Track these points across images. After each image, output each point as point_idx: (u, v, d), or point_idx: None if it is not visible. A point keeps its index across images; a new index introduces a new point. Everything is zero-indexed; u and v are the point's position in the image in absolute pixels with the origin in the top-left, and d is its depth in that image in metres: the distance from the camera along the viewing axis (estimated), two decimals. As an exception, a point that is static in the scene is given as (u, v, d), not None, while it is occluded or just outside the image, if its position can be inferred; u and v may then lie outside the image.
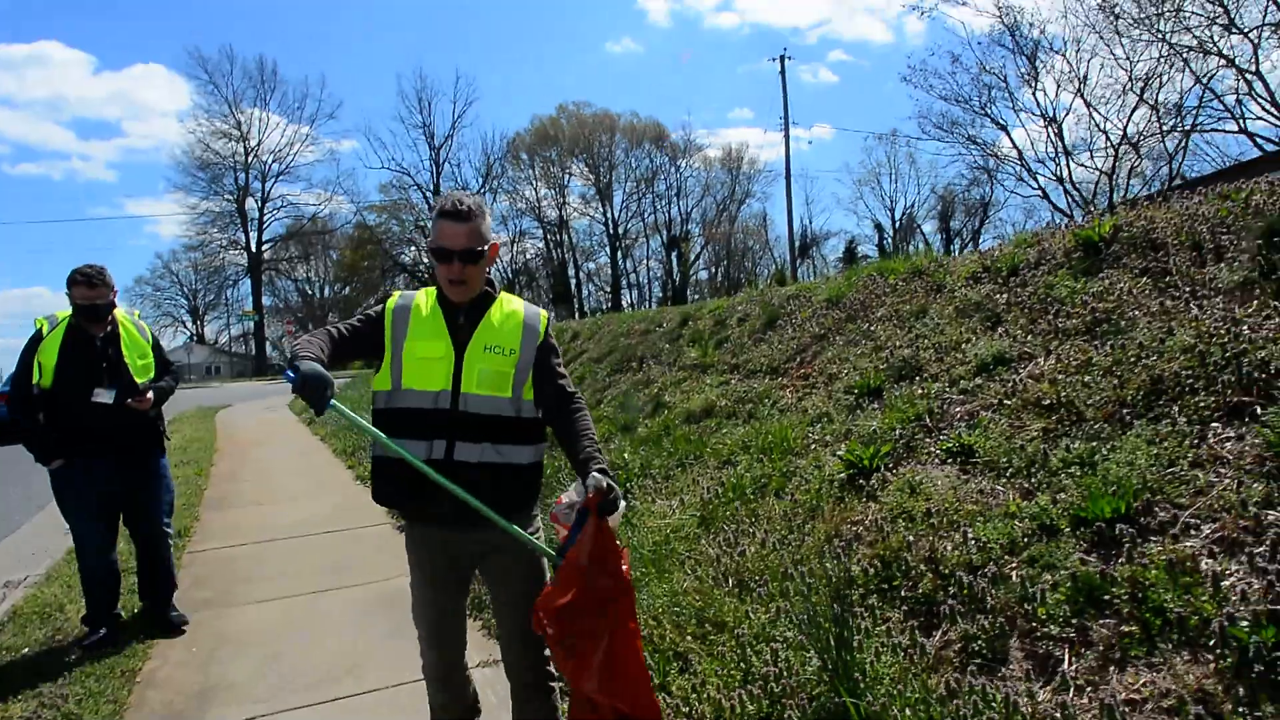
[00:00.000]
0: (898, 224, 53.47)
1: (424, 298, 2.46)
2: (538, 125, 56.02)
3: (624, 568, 2.26)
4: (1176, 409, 3.13)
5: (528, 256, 58.39)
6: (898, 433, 4.12)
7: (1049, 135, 29.72)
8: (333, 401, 2.13)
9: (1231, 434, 2.90)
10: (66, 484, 4.04)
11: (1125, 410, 3.31)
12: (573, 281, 57.35)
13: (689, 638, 3.29)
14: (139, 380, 4.14)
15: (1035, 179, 30.53)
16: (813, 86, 78.82)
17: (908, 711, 2.42)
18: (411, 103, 66.62)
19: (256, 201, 53.62)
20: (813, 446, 4.56)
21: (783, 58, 34.02)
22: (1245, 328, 3.29)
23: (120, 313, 4.23)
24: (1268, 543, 2.40)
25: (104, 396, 3.97)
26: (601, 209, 56.66)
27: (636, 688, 2.23)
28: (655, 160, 56.50)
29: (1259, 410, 2.87)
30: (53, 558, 5.69)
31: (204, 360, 60.64)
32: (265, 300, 59.76)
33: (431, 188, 53.63)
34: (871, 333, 5.58)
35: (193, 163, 52.01)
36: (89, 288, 3.96)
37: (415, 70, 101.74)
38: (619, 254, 57.65)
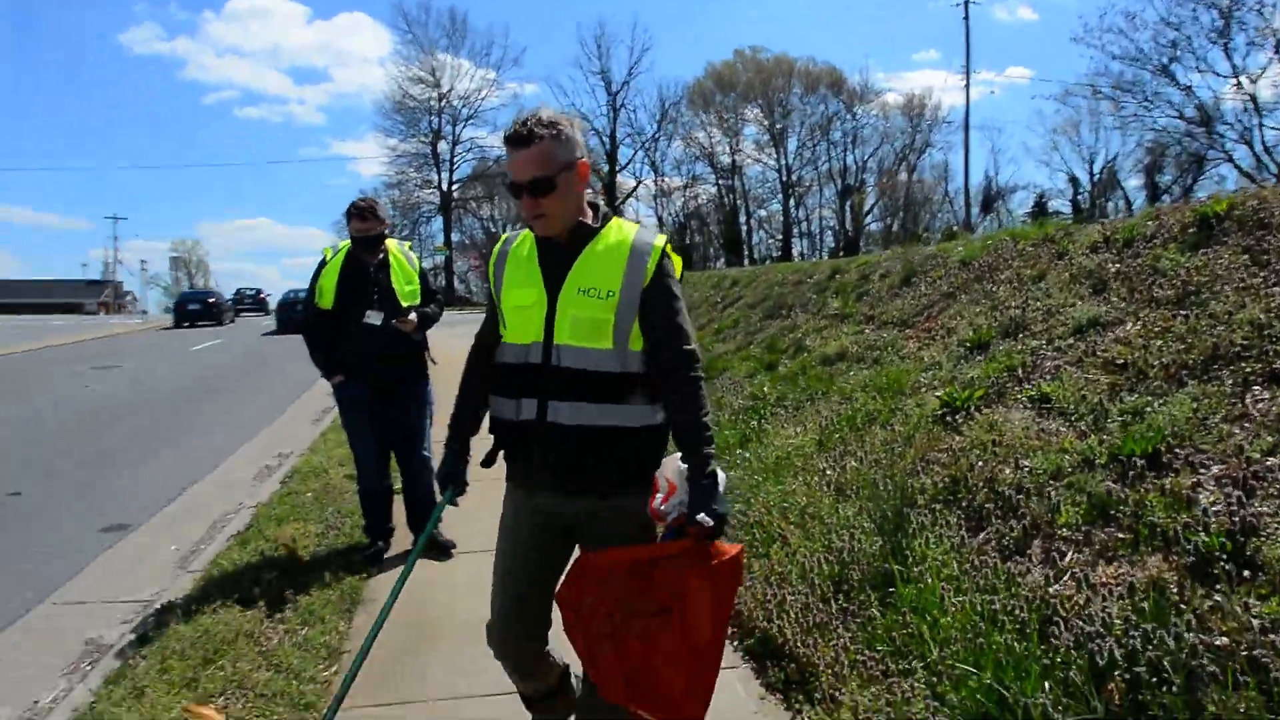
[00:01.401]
0: (1096, 178, 49.43)
1: (526, 237, 2.17)
2: (713, 70, 55.99)
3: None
4: (1226, 373, 3.65)
5: (700, 201, 58.91)
6: (992, 380, 4.78)
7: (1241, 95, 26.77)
8: (452, 497, 2.29)
9: (1267, 396, 3.41)
10: (346, 401, 4.51)
11: (1184, 372, 3.85)
12: (744, 228, 57.49)
13: (791, 525, 4.21)
14: (404, 304, 4.42)
15: (1221, 141, 27.65)
16: (1008, 25, 73.35)
17: (938, 578, 3.25)
18: (590, 49, 68.12)
19: (448, 144, 57.17)
20: (921, 389, 5.27)
21: (967, 2, 32.33)
22: (1311, 305, 3.72)
23: (393, 243, 4.56)
24: (1254, 481, 3.00)
25: (374, 318, 4.29)
26: (775, 156, 56.16)
27: (668, 704, 1.95)
28: (831, 107, 55.16)
29: (1291, 376, 3.37)
30: (311, 437, 7.36)
31: (437, 287, 66.07)
32: (454, 236, 64.10)
33: (609, 132, 55.10)
34: (992, 293, 6.11)
35: (392, 107, 56.06)
36: (362, 220, 4.30)
37: (595, 18, 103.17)
38: (791, 202, 57.09)
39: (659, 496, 2.03)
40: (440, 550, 4.55)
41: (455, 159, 58.33)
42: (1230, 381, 3.59)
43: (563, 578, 2.13)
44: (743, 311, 10.69)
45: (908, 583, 3.32)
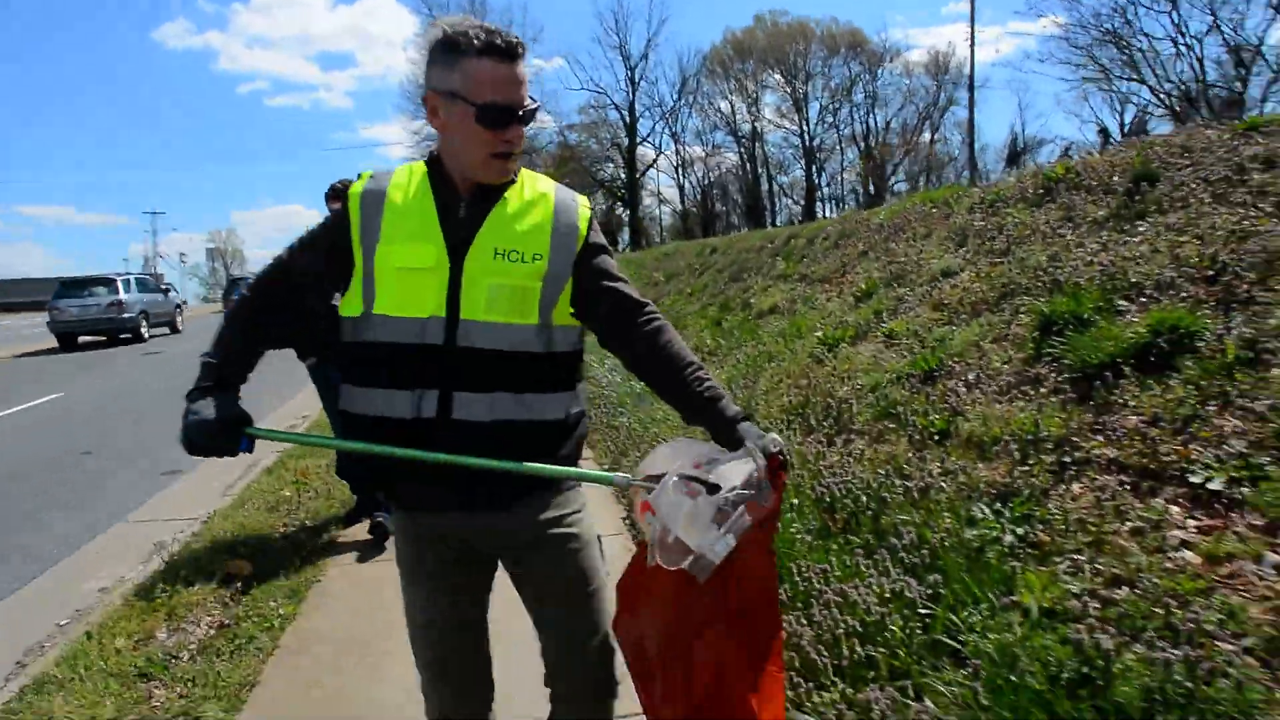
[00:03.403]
0: (1127, 129, 48.87)
1: (404, 177, 1.61)
2: (732, 37, 56.04)
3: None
4: (1007, 305, 4.65)
5: (722, 170, 59.33)
6: (863, 322, 5.80)
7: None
8: (249, 431, 1.58)
9: (1025, 320, 4.41)
10: (321, 381, 4.37)
11: (983, 306, 4.85)
12: (766, 195, 57.83)
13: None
14: None
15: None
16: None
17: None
18: (609, 24, 68.56)
19: (470, 125, 58.22)
20: (815, 330, 6.30)
21: (974, -42, 32.42)
22: (1082, 249, 4.69)
23: None
24: (985, 381, 4.01)
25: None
26: (796, 121, 56.27)
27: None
28: (853, 69, 55.05)
29: (1051, 306, 4.37)
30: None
31: None
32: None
33: (628, 106, 55.64)
34: (892, 250, 7.09)
35: (416, 90, 57.10)
36: (336, 201, 4.54)
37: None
38: (814, 167, 57.28)
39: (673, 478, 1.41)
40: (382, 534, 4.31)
41: (477, 139, 59.28)
42: (1006, 311, 4.60)
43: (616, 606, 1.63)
44: (713, 276, 11.72)
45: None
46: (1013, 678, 2.15)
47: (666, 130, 56.74)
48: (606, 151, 58.78)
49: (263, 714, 2.73)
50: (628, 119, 52.94)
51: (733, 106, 56.30)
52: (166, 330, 23.00)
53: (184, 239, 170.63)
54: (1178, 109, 28.08)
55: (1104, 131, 47.68)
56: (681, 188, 57.56)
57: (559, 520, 1.66)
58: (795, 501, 3.59)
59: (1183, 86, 28.36)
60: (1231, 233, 3.72)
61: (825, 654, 2.50)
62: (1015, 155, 49.61)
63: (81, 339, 19.58)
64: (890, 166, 55.52)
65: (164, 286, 26.03)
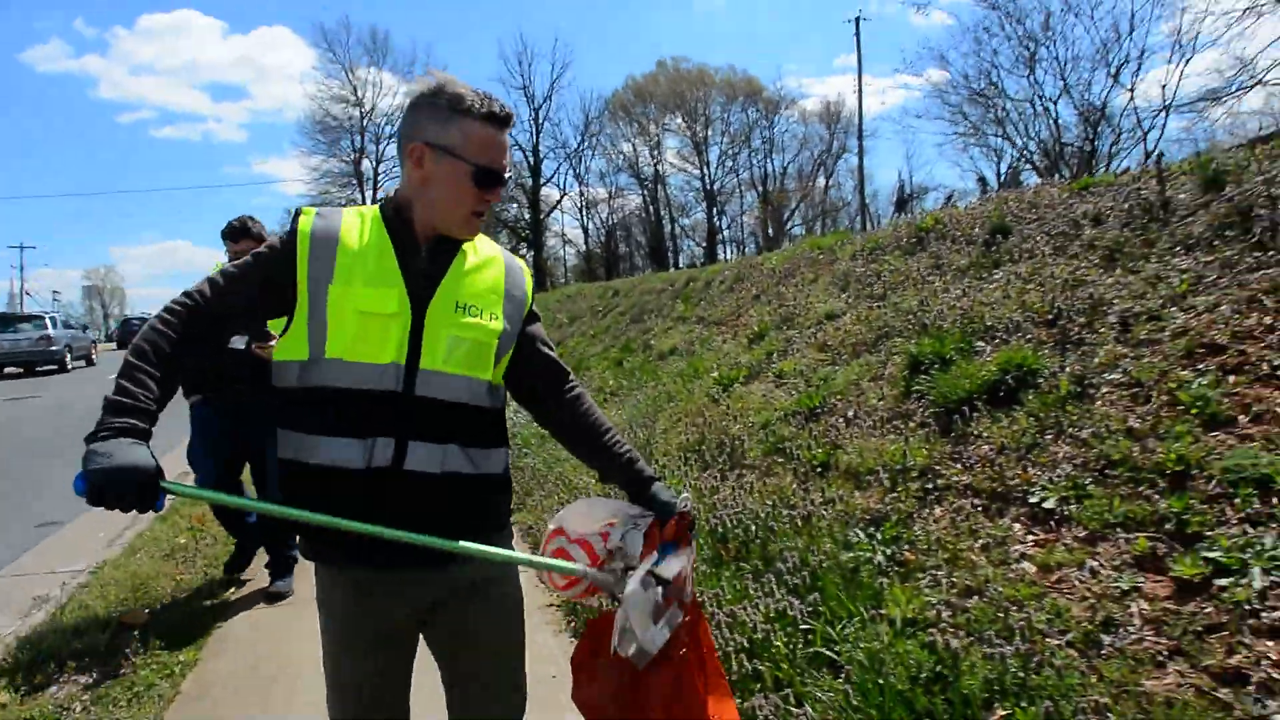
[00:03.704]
0: (1002, 178, 52.32)
1: (355, 219, 1.58)
2: (634, 83, 57.36)
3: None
4: (884, 346, 5.07)
5: (625, 212, 60.13)
6: (755, 363, 6.15)
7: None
8: (166, 486, 1.36)
9: (898, 360, 4.82)
10: (198, 421, 4.20)
11: (862, 348, 5.26)
12: (669, 237, 58.85)
13: (581, 475, 5.48)
14: (274, 330, 5.13)
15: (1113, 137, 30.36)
16: (925, 29, 77.25)
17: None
18: (512, 65, 69.45)
19: (371, 161, 57.34)
20: (711, 371, 6.62)
21: (858, 19, 34.59)
22: (947, 294, 5.17)
23: None
24: (860, 417, 4.37)
25: (237, 342, 3.92)
26: (697, 164, 57.80)
27: None
28: (750, 116, 57.15)
29: (919, 347, 4.79)
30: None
31: None
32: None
33: (531, 146, 56.00)
34: (782, 294, 7.53)
35: (314, 126, 56.01)
36: (234, 241, 4.08)
37: (515, 33, 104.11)
38: (714, 210, 58.79)
39: (583, 556, 1.66)
40: (274, 597, 4.24)
41: (379, 176, 58.53)
42: (882, 352, 5.01)
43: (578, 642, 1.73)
44: (615, 319, 12.02)
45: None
46: (879, 681, 2.41)
47: (570, 171, 57.37)
48: (511, 192, 58.96)
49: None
50: (532, 160, 53.31)
51: (635, 149, 57.39)
52: (84, 363, 25.18)
53: (55, 274, 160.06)
54: (1041, 165, 30.48)
55: (982, 180, 50.74)
56: (585, 229, 58.10)
57: (499, 574, 1.69)
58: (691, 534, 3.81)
59: (1041, 144, 30.87)
60: (1066, 281, 4.22)
61: (716, 670, 2.71)
62: (903, 201, 52.39)
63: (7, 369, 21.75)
64: (787, 210, 57.65)
65: (83, 324, 29.11)
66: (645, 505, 1.69)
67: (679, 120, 57.57)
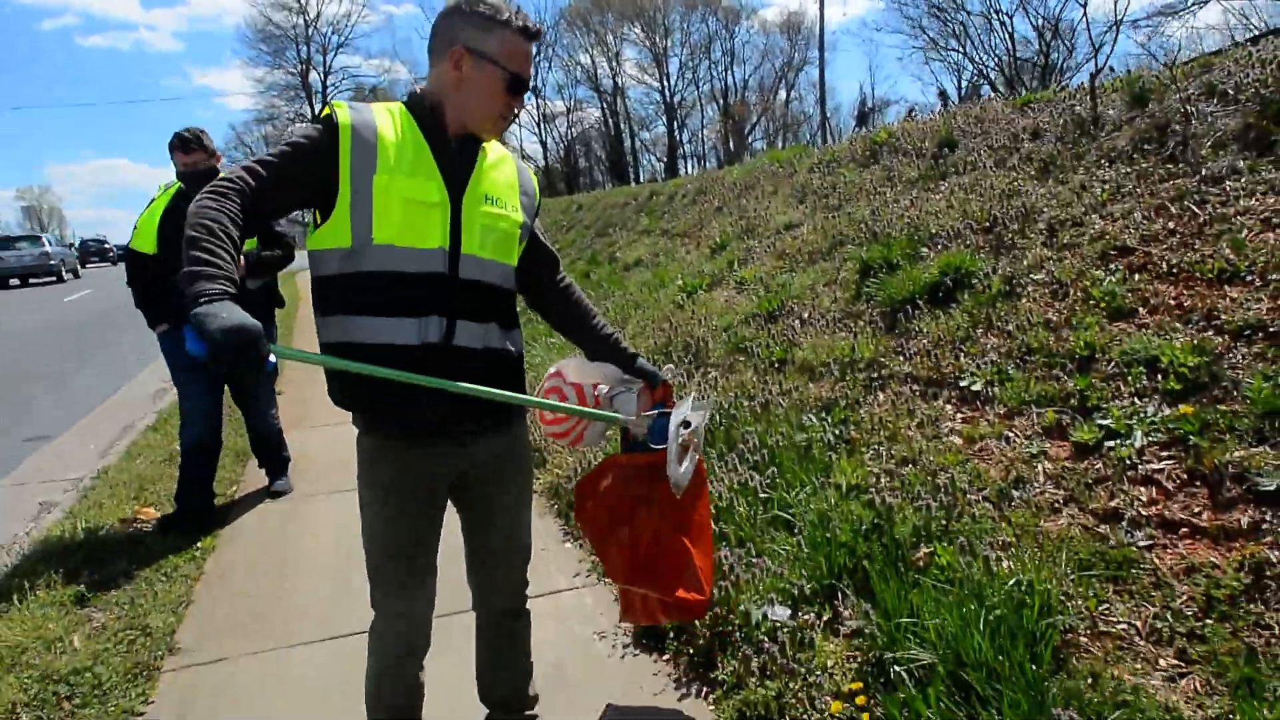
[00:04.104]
0: (962, 91, 52.26)
1: (388, 116, 1.67)
2: (590, -11, 55.43)
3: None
4: (838, 254, 5.42)
5: (584, 126, 58.93)
6: (718, 272, 6.48)
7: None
8: (274, 349, 1.53)
9: (850, 267, 5.18)
10: (170, 350, 4.05)
11: (817, 255, 5.61)
12: (629, 151, 57.96)
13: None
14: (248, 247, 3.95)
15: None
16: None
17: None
18: (463, -33, 66.47)
19: (319, 73, 55.09)
20: (676, 280, 6.94)
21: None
22: (897, 205, 5.51)
23: None
24: (813, 318, 4.75)
25: None
26: (657, 77, 56.53)
27: (679, 577, 2.05)
28: (710, 26, 55.77)
29: (869, 253, 5.14)
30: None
31: (283, 229, 64.38)
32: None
33: (514, 6, 54.09)
34: (744, 206, 7.82)
35: (256, 35, 53.38)
36: (185, 153, 3.84)
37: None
38: (675, 124, 57.88)
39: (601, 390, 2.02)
40: (276, 493, 4.49)
41: (328, 89, 56.43)
42: (836, 259, 5.36)
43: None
44: (580, 232, 12.20)
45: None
46: (827, 534, 2.84)
47: (527, 84, 55.72)
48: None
49: (203, 621, 3.09)
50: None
51: (594, 60, 55.84)
52: (72, 275, 29.50)
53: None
54: (997, 78, 30.73)
55: (943, 94, 50.67)
56: (544, 143, 56.89)
57: (517, 447, 1.93)
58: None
59: (998, 60, 31.08)
60: (1003, 192, 4.58)
61: (688, 532, 3.13)
62: (864, 115, 52.21)
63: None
64: (749, 124, 57.06)
65: (69, 241, 31.72)
66: (634, 375, 2.05)
67: (638, 30, 55.99)
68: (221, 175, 1.56)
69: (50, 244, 28.35)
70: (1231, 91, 3.99)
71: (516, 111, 1.75)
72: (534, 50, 1.75)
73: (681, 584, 2.06)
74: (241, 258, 3.05)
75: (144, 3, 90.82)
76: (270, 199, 1.58)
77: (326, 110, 1.63)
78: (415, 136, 1.66)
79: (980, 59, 31.95)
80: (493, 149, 1.81)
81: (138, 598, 3.25)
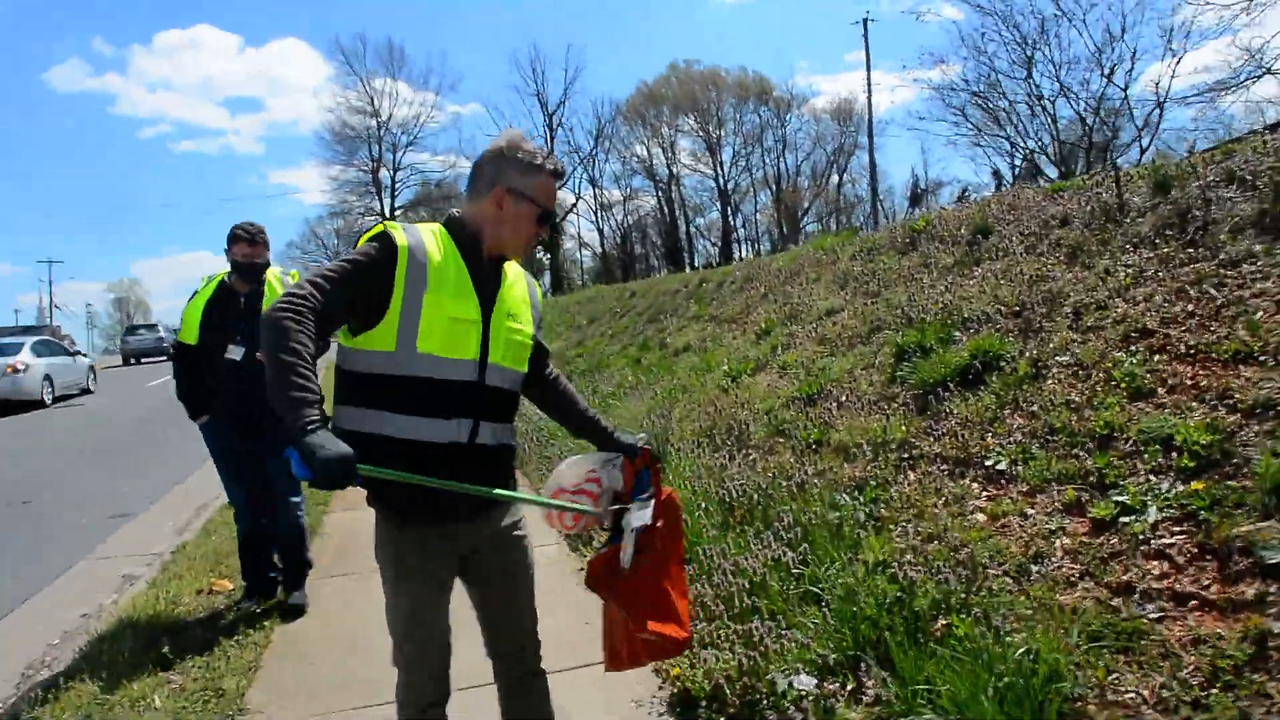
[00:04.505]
0: (1017, 171, 51.97)
1: (434, 239, 1.93)
2: (646, 87, 57.73)
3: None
4: (877, 339, 5.61)
5: (640, 214, 60.50)
6: (762, 356, 6.70)
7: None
8: (361, 469, 1.65)
9: (887, 350, 5.35)
10: (212, 442, 4.08)
11: (856, 339, 5.80)
12: (683, 237, 59.07)
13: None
14: None
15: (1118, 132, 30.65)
16: (934, 26, 76.79)
17: (683, 478, 5.10)
18: (526, 73, 70.63)
19: (389, 170, 58.13)
20: (722, 365, 7.18)
21: (866, 20, 34.95)
22: (933, 290, 5.70)
23: (273, 272, 4.08)
24: (849, 400, 4.91)
25: (234, 353, 3.86)
26: (711, 165, 58.07)
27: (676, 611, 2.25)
28: (763, 116, 57.42)
29: (904, 338, 5.32)
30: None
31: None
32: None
33: (546, 152, 56.65)
34: (788, 292, 8.08)
35: (332, 137, 56.88)
36: (250, 245, 3.93)
37: (528, 41, 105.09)
38: (729, 209, 59.04)
39: (597, 480, 2.20)
40: (292, 611, 4.14)
41: (397, 185, 59.41)
42: (874, 344, 5.55)
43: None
44: (633, 319, 12.60)
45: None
46: (853, 608, 2.97)
47: (585, 175, 57.78)
48: (527, 198, 59.08)
49: (272, 684, 3.34)
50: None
51: (649, 151, 57.67)
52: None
53: (79, 287, 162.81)
54: (1055, 158, 30.89)
55: (997, 174, 50.65)
56: (601, 231, 58.53)
57: (517, 524, 2.14)
58: (703, 504, 4.39)
59: (1040, 142, 31.36)
60: (1032, 277, 4.75)
61: (722, 605, 3.28)
62: (917, 196, 52.56)
63: None
64: (802, 208, 57.85)
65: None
66: (614, 449, 2.23)
67: (691, 121, 57.77)
68: (294, 289, 1.74)
69: (162, 330, 34.16)
70: (1249, 178, 4.14)
71: (543, 238, 2.06)
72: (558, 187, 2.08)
73: (673, 620, 2.22)
74: None
75: (231, 111, 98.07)
76: (336, 314, 1.79)
77: (379, 229, 1.90)
78: (457, 259, 1.91)
79: (1023, 143, 32.20)
80: (511, 268, 2.07)
81: (213, 662, 3.51)
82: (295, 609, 4.13)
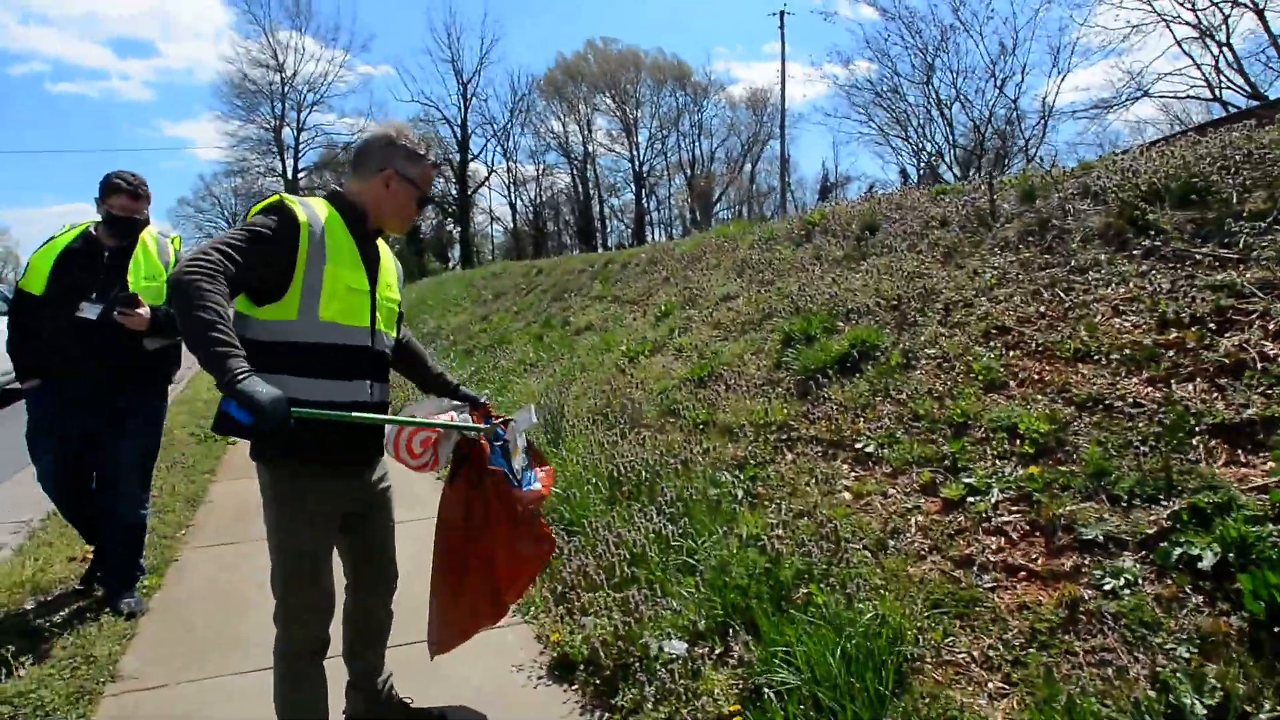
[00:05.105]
0: (921, 171, 53.92)
1: (327, 213, 2.08)
2: (564, 62, 56.96)
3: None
4: (766, 325, 5.84)
5: (554, 191, 59.75)
6: (659, 339, 6.87)
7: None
8: (295, 411, 1.81)
9: (775, 338, 5.59)
10: (39, 411, 3.53)
11: (749, 325, 6.03)
12: (597, 217, 58.77)
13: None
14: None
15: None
16: (848, 24, 78.47)
17: (575, 453, 5.22)
18: (440, 37, 68.34)
19: (292, 129, 55.45)
20: (621, 345, 7.32)
21: (782, 13, 35.47)
22: (822, 281, 5.97)
23: (148, 232, 3.59)
24: (739, 384, 5.12)
25: (88, 311, 3.32)
26: (627, 146, 57.84)
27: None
28: (679, 100, 57.54)
29: (792, 326, 5.56)
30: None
31: None
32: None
33: (459, 121, 54.93)
34: (688, 277, 8.27)
35: (231, 90, 53.88)
36: (131, 199, 3.45)
37: (445, 5, 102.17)
38: (643, 191, 58.99)
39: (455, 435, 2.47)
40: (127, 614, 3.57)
41: (301, 145, 56.83)
42: (765, 330, 5.78)
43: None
44: (538, 296, 12.59)
45: (560, 451, 5.29)
46: (725, 578, 3.15)
47: (499, 148, 56.68)
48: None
49: (148, 649, 3.28)
50: (460, 135, 52.48)
51: (565, 127, 56.92)
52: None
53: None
54: (952, 161, 32.40)
55: (904, 173, 52.51)
56: (514, 206, 57.62)
57: (384, 477, 2.43)
58: (592, 480, 4.52)
59: (936, 145, 32.91)
60: (911, 274, 5.06)
61: (603, 575, 3.42)
62: (827, 189, 54.04)
63: None
64: (715, 194, 58.47)
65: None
66: (461, 400, 2.61)
67: (609, 100, 57.48)
68: (200, 254, 1.79)
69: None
70: (1100, 192, 4.52)
71: (419, 218, 2.42)
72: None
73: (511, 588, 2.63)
74: (147, 308, 3.28)
75: (117, 53, 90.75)
76: (240, 281, 1.88)
77: (275, 199, 2.03)
78: (346, 234, 2.12)
79: (921, 145, 33.70)
80: (381, 241, 2.32)
81: (84, 628, 3.42)
82: (130, 610, 3.58)
